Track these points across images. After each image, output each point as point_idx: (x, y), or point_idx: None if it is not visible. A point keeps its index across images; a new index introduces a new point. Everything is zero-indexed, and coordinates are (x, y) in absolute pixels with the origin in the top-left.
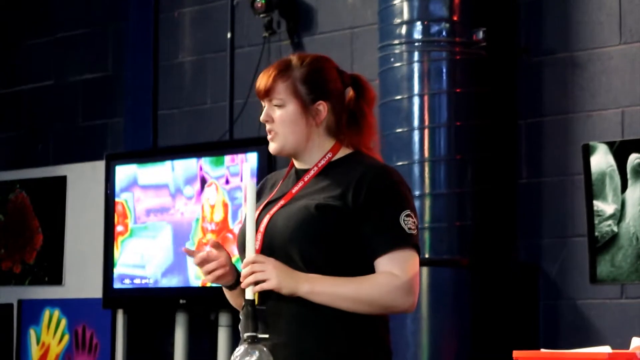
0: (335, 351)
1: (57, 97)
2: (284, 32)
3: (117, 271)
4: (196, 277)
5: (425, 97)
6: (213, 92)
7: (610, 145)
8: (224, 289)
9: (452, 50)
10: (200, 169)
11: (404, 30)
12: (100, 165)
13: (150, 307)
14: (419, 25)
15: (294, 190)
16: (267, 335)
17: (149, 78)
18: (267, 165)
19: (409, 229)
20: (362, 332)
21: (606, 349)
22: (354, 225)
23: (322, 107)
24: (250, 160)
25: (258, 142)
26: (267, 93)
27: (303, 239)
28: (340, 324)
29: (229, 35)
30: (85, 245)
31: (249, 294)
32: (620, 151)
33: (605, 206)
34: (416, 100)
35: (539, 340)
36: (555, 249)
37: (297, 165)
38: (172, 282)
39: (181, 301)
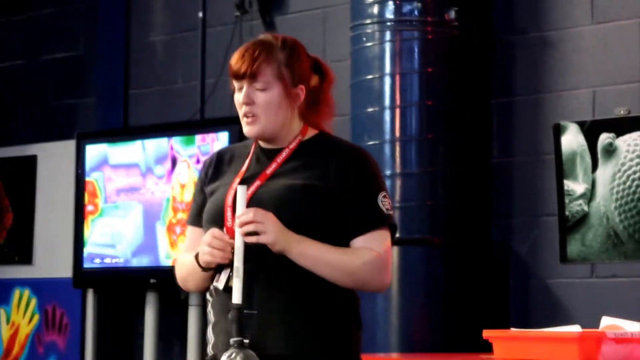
0: (322, 329)
1: (28, 76)
2: (256, 11)
3: (87, 251)
4: (166, 257)
5: (397, 77)
6: (184, 72)
7: (581, 124)
8: (194, 268)
9: (424, 29)
10: (171, 148)
11: (375, 9)
12: (70, 145)
13: (120, 287)
14: (390, 5)
15: (268, 171)
16: (247, 340)
17: (120, 57)
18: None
19: (387, 209)
20: (344, 310)
21: (576, 328)
22: (334, 205)
23: (301, 90)
24: (221, 140)
25: (229, 122)
26: (252, 75)
27: (289, 218)
28: (326, 303)
29: (200, 14)
30: (55, 224)
31: (237, 298)
32: (591, 131)
33: (576, 186)
34: (387, 80)
35: (509, 319)
36: (526, 228)
37: (264, 145)
38: (142, 261)
39: (152, 281)
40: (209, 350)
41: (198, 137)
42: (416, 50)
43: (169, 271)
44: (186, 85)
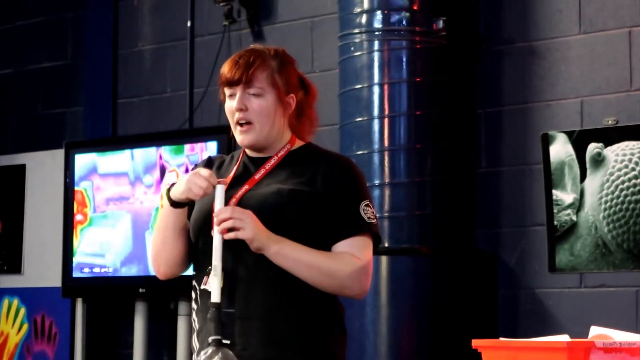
0: (304, 335)
1: (16, 85)
2: (244, 20)
3: (76, 260)
4: None
5: (385, 86)
6: (173, 81)
7: (570, 134)
8: (167, 205)
9: (412, 39)
10: (160, 157)
11: (364, 19)
12: (59, 154)
13: (109, 296)
14: (379, 14)
15: (256, 177)
16: (229, 341)
17: (108, 66)
18: (227, 154)
19: (368, 218)
20: (327, 315)
21: (565, 338)
22: (318, 210)
23: (292, 99)
24: (210, 149)
25: (218, 131)
26: (247, 81)
27: (277, 221)
28: (308, 308)
29: (188, 23)
30: (44, 234)
31: (215, 297)
32: (579, 140)
33: (564, 195)
34: (376, 89)
35: (497, 329)
36: (514, 238)
37: (253, 154)
38: (131, 271)
39: (141, 290)
40: (194, 358)
41: (187, 147)
42: (404, 59)
43: (158, 280)
44: (175, 95)
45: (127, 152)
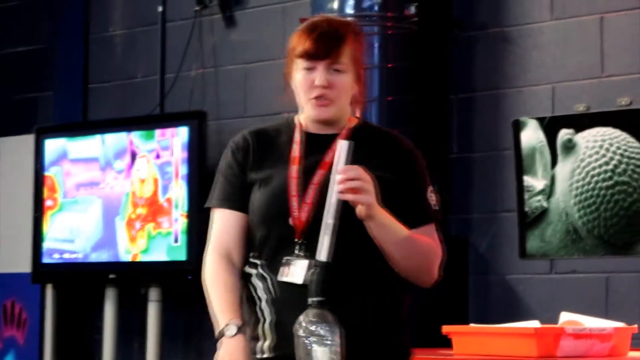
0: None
1: None
2: (216, 5)
3: (46, 246)
4: (126, 252)
5: None
6: (144, 66)
7: (541, 120)
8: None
9: (384, 24)
10: (131, 143)
11: (335, 4)
12: (29, 139)
13: (79, 282)
14: (350, 0)
15: (327, 159)
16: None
17: (80, 51)
18: (198, 140)
19: (434, 204)
20: (401, 317)
21: (535, 324)
22: (394, 195)
23: (361, 75)
24: (181, 135)
25: (189, 116)
26: (335, 57)
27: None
28: (386, 307)
29: (160, 8)
30: (14, 219)
31: (324, 256)
32: (550, 127)
33: (535, 181)
34: None
35: (468, 314)
36: (485, 223)
37: (314, 129)
38: (101, 256)
39: (111, 276)
40: (264, 349)
41: (157, 132)
42: (376, 45)
43: (129, 266)
44: (146, 80)
45: (98, 137)
